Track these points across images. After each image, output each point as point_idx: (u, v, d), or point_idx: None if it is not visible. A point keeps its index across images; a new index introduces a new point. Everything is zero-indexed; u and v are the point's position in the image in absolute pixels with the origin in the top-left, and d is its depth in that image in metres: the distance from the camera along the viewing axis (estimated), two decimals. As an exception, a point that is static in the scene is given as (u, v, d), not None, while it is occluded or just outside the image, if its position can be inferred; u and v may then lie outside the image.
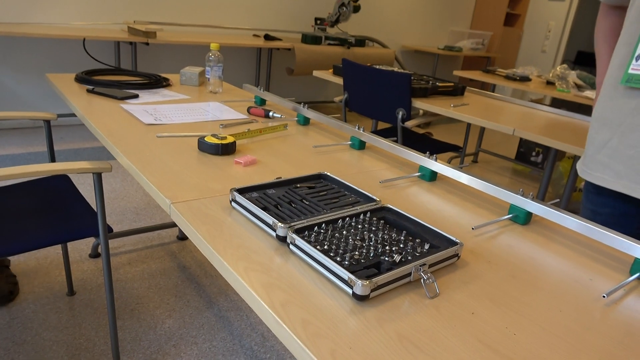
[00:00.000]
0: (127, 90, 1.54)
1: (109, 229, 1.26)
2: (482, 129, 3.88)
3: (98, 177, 1.20)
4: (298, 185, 0.87)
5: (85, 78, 1.62)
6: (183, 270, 2.02)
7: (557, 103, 3.90)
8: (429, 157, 1.03)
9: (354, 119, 4.65)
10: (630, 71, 0.91)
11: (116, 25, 3.34)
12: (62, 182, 1.56)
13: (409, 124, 2.07)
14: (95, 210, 1.24)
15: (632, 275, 0.72)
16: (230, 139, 1.06)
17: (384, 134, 2.40)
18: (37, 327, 1.58)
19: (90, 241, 2.13)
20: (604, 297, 0.66)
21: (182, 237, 2.26)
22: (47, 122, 1.56)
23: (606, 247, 0.82)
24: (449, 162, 3.76)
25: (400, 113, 2.07)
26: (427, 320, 0.57)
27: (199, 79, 1.76)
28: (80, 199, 1.45)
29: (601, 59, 1.18)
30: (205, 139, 1.05)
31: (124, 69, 1.88)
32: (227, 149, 1.05)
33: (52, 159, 1.62)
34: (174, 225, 2.34)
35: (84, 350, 1.50)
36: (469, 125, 3.44)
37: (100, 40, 3.27)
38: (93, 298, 1.75)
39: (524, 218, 0.86)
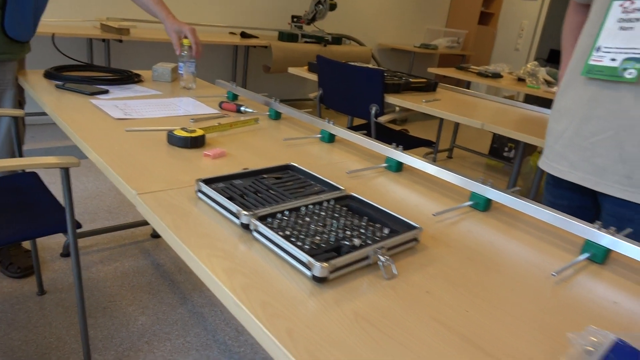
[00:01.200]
0: (97, 86, 1.53)
1: (77, 225, 1.25)
2: (457, 126, 3.94)
3: (65, 172, 1.19)
4: (265, 176, 0.89)
5: (54, 74, 1.60)
6: (157, 267, 2.01)
7: (530, 99, 3.99)
8: (395, 149, 1.05)
9: (330, 116, 4.67)
10: (590, 62, 0.94)
11: (88, 22, 3.29)
12: (30, 179, 1.54)
13: (382, 119, 2.10)
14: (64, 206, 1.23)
15: (582, 255, 0.75)
16: (199, 132, 1.07)
17: (358, 130, 2.43)
18: (6, 327, 1.56)
19: (61, 240, 2.10)
20: (553, 275, 0.69)
21: (156, 235, 2.25)
22: (15, 119, 1.54)
23: (560, 231, 0.85)
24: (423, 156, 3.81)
25: (374, 108, 2.10)
26: (383, 300, 0.59)
27: (172, 75, 1.75)
28: (49, 196, 1.43)
29: (566, 52, 1.21)
30: (175, 132, 1.06)
31: (95, 65, 1.86)
32: (196, 142, 1.05)
33: (20, 156, 1.60)
34: (147, 223, 2.32)
35: (54, 349, 1.49)
36: (441, 120, 3.49)
37: (72, 37, 3.22)
38: (64, 297, 1.73)
39: (484, 205, 0.89)
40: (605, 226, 0.75)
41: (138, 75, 1.74)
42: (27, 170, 1.58)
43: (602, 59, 0.92)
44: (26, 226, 1.24)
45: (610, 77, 0.90)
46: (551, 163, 1.07)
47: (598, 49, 0.93)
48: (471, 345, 0.53)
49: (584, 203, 1.06)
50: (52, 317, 1.63)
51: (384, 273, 0.65)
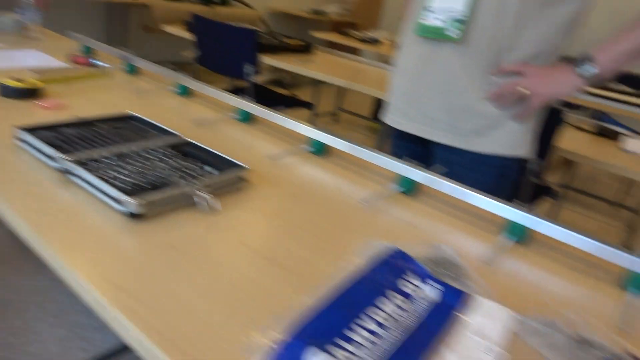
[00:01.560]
0: None
1: None
2: (342, 90, 4.08)
3: None
4: (103, 125, 0.87)
5: None
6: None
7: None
8: (242, 99, 1.08)
9: (212, 79, 4.57)
10: (420, 21, 1.03)
11: None
12: None
13: (258, 79, 2.11)
14: None
15: (392, 187, 0.86)
16: (35, 83, 1.01)
17: (238, 92, 2.42)
18: None
19: None
20: (362, 203, 0.78)
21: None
22: None
23: (382, 170, 0.95)
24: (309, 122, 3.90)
25: (249, 68, 2.11)
26: (197, 231, 0.63)
27: (14, 26, 1.60)
28: None
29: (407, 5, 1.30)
30: (5, 82, 0.99)
31: None
32: (31, 94, 1.00)
33: None
34: None
35: None
36: (317, 82, 3.56)
37: None
38: None
39: (320, 149, 0.97)
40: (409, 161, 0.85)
41: (-24, 26, 1.57)
42: None
43: (430, 19, 1.01)
44: None
45: (437, 35, 1.00)
46: (392, 117, 1.17)
47: (426, 9, 1.02)
48: (266, 260, 0.59)
49: (421, 152, 1.18)
50: None
51: (205, 208, 0.69)
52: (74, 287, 0.53)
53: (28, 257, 1.75)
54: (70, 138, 0.79)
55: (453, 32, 0.97)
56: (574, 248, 0.69)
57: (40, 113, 0.95)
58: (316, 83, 3.33)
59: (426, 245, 0.68)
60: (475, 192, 0.77)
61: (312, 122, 1.05)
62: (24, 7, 1.50)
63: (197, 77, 1.23)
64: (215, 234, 0.63)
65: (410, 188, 0.85)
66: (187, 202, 0.69)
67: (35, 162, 0.74)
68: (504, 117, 1.01)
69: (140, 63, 1.35)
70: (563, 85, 0.96)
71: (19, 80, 1.00)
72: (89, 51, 1.51)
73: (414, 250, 0.66)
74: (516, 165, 1.07)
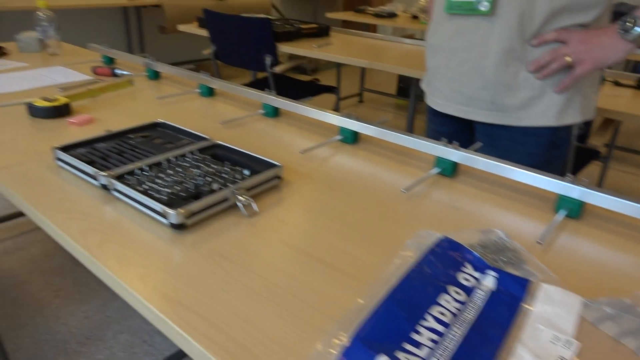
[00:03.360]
0: (-48, 64, 1.39)
1: None
2: (363, 70, 4.01)
3: None
4: (131, 136, 0.87)
5: None
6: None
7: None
8: (267, 94, 1.07)
9: (233, 73, 4.57)
10: None
11: (-54, -6, 2.92)
12: None
13: (277, 69, 2.09)
14: None
15: (433, 170, 0.83)
16: (63, 100, 1.02)
17: (260, 83, 2.41)
18: None
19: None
20: (403, 192, 0.76)
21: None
22: None
23: (419, 153, 0.92)
24: (334, 107, 3.86)
25: (268, 59, 2.08)
26: (240, 236, 0.63)
27: (40, 44, 1.62)
28: None
29: None
30: (35, 102, 1.00)
31: (-49, 42, 1.68)
32: (60, 112, 1.01)
33: None
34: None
35: (-41, 346, 1.42)
36: (338, 65, 3.52)
37: None
38: (-36, 293, 1.64)
39: (351, 138, 0.94)
40: (464, 147, 0.82)
41: (1, 48, 1.60)
42: None
43: None
44: None
45: (468, 10, 0.96)
46: (431, 97, 1.14)
47: None
48: (317, 262, 0.58)
49: (462, 127, 1.15)
50: (-48, 316, 1.54)
51: (244, 212, 0.68)
52: (133, 303, 0.53)
53: (86, 267, 1.81)
54: (105, 153, 0.79)
55: (482, 5, 0.94)
56: (634, 218, 0.65)
57: (71, 130, 0.96)
58: (337, 65, 3.28)
59: (476, 230, 0.66)
60: (520, 167, 0.74)
61: (337, 106, 1.02)
62: (42, 24, 1.51)
63: (216, 72, 1.22)
64: (259, 237, 0.63)
65: (450, 170, 0.82)
66: (226, 207, 0.68)
67: (76, 180, 0.75)
68: (548, 86, 0.96)
69: (162, 68, 1.34)
70: (610, 50, 0.90)
71: (46, 99, 1.01)
72: (110, 61, 1.52)
73: (464, 237, 0.63)
74: (566, 133, 1.02)
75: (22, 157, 0.82)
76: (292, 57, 2.18)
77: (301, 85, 2.52)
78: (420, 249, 0.59)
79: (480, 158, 0.78)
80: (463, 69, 1.02)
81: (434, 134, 1.22)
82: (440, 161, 0.83)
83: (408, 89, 3.93)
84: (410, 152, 0.93)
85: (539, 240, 0.63)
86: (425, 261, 0.56)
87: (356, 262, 0.58)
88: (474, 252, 0.58)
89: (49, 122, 0.99)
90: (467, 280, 0.54)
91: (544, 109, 0.97)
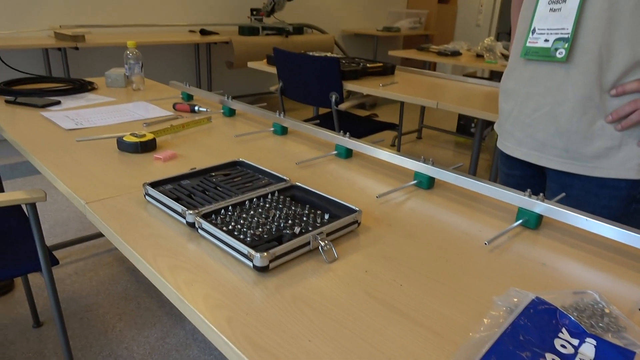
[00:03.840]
0: (49, 98, 1.52)
1: (54, 261, 1.19)
2: (423, 107, 3.99)
3: (32, 207, 1.11)
4: (213, 174, 0.91)
5: (4, 89, 1.58)
6: (132, 273, 2.01)
7: (494, 74, 4.07)
8: (342, 136, 1.08)
9: (294, 107, 4.69)
10: (527, 44, 0.99)
11: (42, 32, 3.22)
12: (7, 207, 1.48)
13: (342, 106, 2.12)
14: (42, 239, 1.14)
15: (515, 222, 0.80)
16: (149, 136, 1.08)
17: (323, 119, 2.45)
18: (-18, 346, 1.55)
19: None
20: (485, 244, 0.73)
21: (130, 241, 2.25)
22: None
23: (497, 201, 0.90)
24: (392, 142, 3.86)
25: (334, 97, 2.12)
26: (322, 282, 0.63)
27: (125, 80, 1.74)
28: (26, 228, 1.37)
29: (515, 29, 1.25)
30: (124, 138, 1.07)
31: (47, 77, 1.84)
32: (146, 147, 1.07)
33: None
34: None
35: (33, 363, 1.49)
36: (402, 103, 3.53)
37: (27, 50, 3.15)
38: (40, 311, 1.73)
39: (427, 183, 0.93)
40: (535, 193, 0.79)
41: (91, 83, 1.73)
42: None
43: (537, 41, 0.97)
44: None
45: (544, 57, 0.95)
46: (503, 141, 1.13)
47: (533, 31, 0.98)
48: (401, 316, 0.56)
49: (534, 172, 1.12)
50: (29, 333, 1.63)
51: (325, 257, 0.68)
52: (220, 346, 0.54)
53: (149, 293, 1.87)
54: (189, 190, 0.83)
55: (559, 52, 0.92)
56: None
57: (156, 165, 1.01)
58: (401, 103, 3.29)
59: (569, 292, 0.62)
60: (614, 224, 0.70)
61: (398, 143, 1.02)
62: (130, 62, 1.63)
63: (282, 107, 1.25)
64: (341, 285, 0.62)
65: (534, 222, 0.79)
66: (306, 251, 0.69)
67: (162, 215, 0.79)
68: (628, 137, 0.91)
69: (236, 105, 1.40)
70: None
71: (134, 135, 1.08)
72: (188, 98, 1.60)
73: (556, 298, 0.60)
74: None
75: (114, 190, 0.87)
76: (351, 93, 2.21)
77: (362, 121, 2.54)
78: (510, 308, 0.57)
79: (569, 212, 0.74)
80: (537, 114, 1.00)
81: (506, 178, 1.20)
82: (523, 212, 0.80)
83: (468, 126, 3.87)
84: (488, 199, 0.90)
85: (638, 304, 0.59)
86: (518, 324, 0.53)
87: (442, 319, 0.56)
88: (569, 315, 0.55)
89: (136, 157, 1.05)
90: (564, 347, 0.51)
91: (623, 160, 0.93)
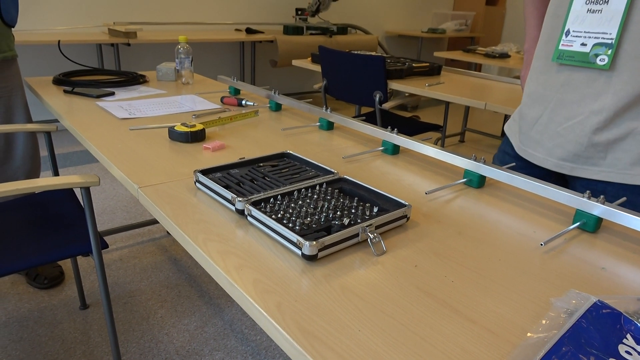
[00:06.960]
0: (104, 89, 1.58)
1: (103, 245, 1.23)
2: (467, 109, 3.91)
3: (86, 191, 1.15)
4: (261, 164, 0.91)
5: (63, 79, 1.66)
6: (174, 262, 2.06)
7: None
8: (390, 132, 1.07)
9: (337, 106, 4.69)
10: (560, 47, 0.90)
11: (97, 28, 3.36)
12: (62, 192, 1.55)
13: (386, 105, 2.10)
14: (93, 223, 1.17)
15: (573, 224, 0.76)
16: (199, 127, 1.10)
17: (366, 118, 2.44)
18: (33, 324, 1.63)
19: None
20: (541, 245, 0.70)
21: (173, 231, 2.30)
22: (48, 133, 1.55)
23: (552, 202, 0.86)
24: (435, 143, 3.79)
25: (378, 95, 2.11)
26: (371, 274, 0.62)
27: (176, 74, 1.79)
28: (79, 212, 1.43)
29: (529, 25, 1.16)
30: (175, 127, 1.09)
31: (101, 69, 1.91)
32: (196, 136, 1.09)
33: (55, 170, 1.62)
34: (164, 220, 2.38)
35: (79, 343, 1.55)
36: (447, 104, 3.47)
37: (82, 44, 3.30)
38: (86, 294, 1.80)
39: (477, 181, 0.91)
40: (595, 196, 0.75)
41: (143, 76, 1.79)
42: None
43: (571, 44, 0.88)
44: (51, 247, 1.23)
45: (581, 63, 0.87)
46: (527, 149, 1.03)
47: (567, 33, 0.89)
48: (453, 312, 0.55)
49: (553, 180, 1.04)
50: (76, 314, 1.69)
51: (374, 250, 0.67)
52: (269, 331, 0.54)
53: (190, 282, 1.92)
54: (238, 179, 0.84)
55: (601, 60, 0.84)
56: None
57: (205, 154, 1.03)
58: (447, 104, 3.24)
59: (632, 298, 0.59)
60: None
61: (442, 145, 0.98)
62: (180, 56, 1.67)
63: (325, 105, 1.25)
64: (390, 278, 0.61)
65: (593, 225, 0.75)
66: (354, 243, 0.68)
67: (212, 202, 0.80)
68: None
69: (283, 100, 1.41)
70: None
71: (185, 125, 1.10)
72: (236, 92, 1.63)
73: (618, 303, 0.57)
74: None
75: (165, 177, 0.90)
76: (394, 93, 2.18)
77: (405, 121, 2.51)
78: (570, 310, 0.54)
79: (631, 215, 0.70)
80: (569, 123, 0.92)
81: None
82: (581, 214, 0.76)
83: (514, 131, 3.75)
84: (541, 200, 0.87)
85: None
86: (580, 327, 0.50)
87: (496, 318, 0.54)
88: (637, 322, 0.52)
89: (186, 146, 1.07)
90: (629, 354, 0.48)
91: None
